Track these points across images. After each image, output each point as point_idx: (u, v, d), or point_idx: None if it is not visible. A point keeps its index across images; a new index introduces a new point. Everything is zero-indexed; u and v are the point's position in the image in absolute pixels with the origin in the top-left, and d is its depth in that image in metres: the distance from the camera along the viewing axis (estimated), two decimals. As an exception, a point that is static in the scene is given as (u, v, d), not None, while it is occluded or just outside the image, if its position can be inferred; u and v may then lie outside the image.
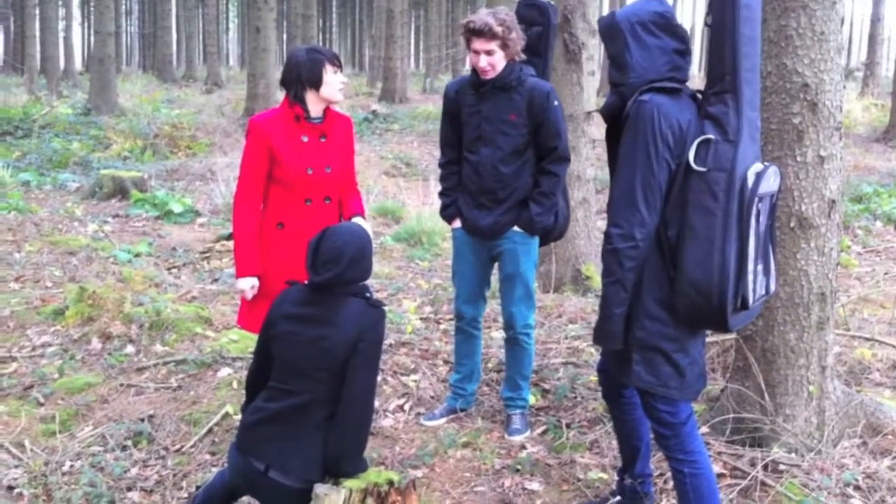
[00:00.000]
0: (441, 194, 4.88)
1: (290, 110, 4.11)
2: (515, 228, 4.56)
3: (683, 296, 3.09)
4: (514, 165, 4.49)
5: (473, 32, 4.35)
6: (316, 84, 4.08)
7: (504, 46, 4.35)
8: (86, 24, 64.05)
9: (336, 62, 4.14)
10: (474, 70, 4.49)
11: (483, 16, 4.36)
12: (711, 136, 3.07)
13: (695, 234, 3.06)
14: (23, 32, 35.28)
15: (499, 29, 4.30)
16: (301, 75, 4.07)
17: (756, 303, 3.18)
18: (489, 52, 4.35)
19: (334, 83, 4.12)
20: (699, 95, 3.24)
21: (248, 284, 4.16)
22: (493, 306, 6.85)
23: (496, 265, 4.82)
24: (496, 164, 4.50)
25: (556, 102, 4.50)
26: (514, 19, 4.43)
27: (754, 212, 3.04)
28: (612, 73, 3.27)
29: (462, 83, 4.67)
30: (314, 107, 4.13)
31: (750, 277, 3.07)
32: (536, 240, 4.67)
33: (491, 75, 4.42)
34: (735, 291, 3.05)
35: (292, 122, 4.11)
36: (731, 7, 3.06)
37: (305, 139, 4.12)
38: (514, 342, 4.73)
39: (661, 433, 3.35)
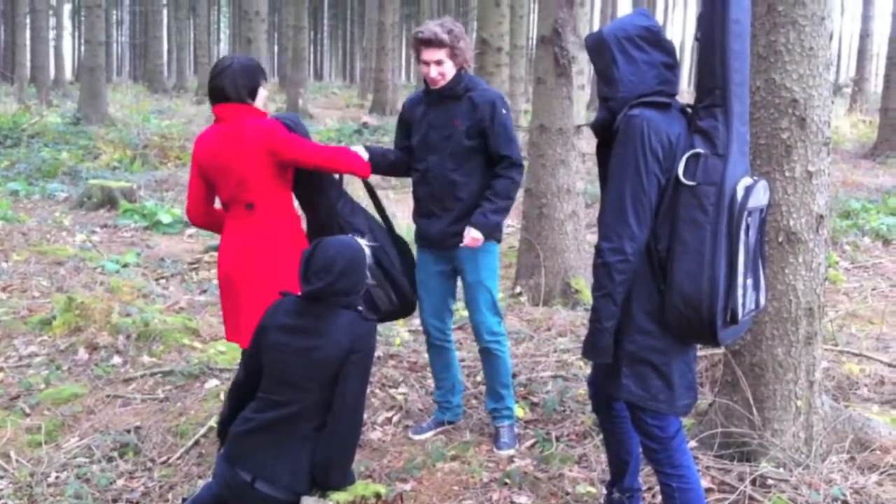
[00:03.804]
0: None
1: (261, 113, 4.21)
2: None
3: (673, 309, 3.09)
4: (462, 173, 4.48)
5: (423, 43, 4.38)
6: (254, 94, 4.20)
7: (452, 56, 4.39)
8: (76, 34, 63.95)
9: (265, 77, 4.32)
10: (426, 82, 4.55)
11: (431, 26, 4.40)
12: (701, 151, 3.07)
13: (685, 247, 3.06)
14: (13, 41, 35.22)
15: (446, 37, 4.34)
16: (247, 83, 4.16)
17: (745, 317, 3.18)
18: (438, 62, 4.39)
19: (262, 95, 4.28)
20: (689, 110, 3.25)
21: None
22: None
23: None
24: (444, 171, 4.49)
25: (503, 111, 4.47)
26: (462, 29, 4.47)
27: (744, 226, 3.05)
28: (601, 88, 3.28)
29: (416, 95, 4.73)
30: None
31: (739, 291, 3.08)
32: (496, 248, 4.64)
33: (441, 84, 4.45)
34: (725, 305, 3.05)
35: None
36: (720, 22, 3.07)
37: None
38: (486, 352, 4.68)
39: (650, 447, 3.35)
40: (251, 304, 4.12)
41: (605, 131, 3.28)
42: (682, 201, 3.08)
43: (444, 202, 4.53)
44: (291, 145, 4.10)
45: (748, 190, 3.06)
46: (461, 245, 4.46)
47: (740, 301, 3.09)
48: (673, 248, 3.09)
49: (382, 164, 4.64)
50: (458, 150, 4.46)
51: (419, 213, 4.68)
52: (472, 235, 4.42)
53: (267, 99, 4.32)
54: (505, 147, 4.46)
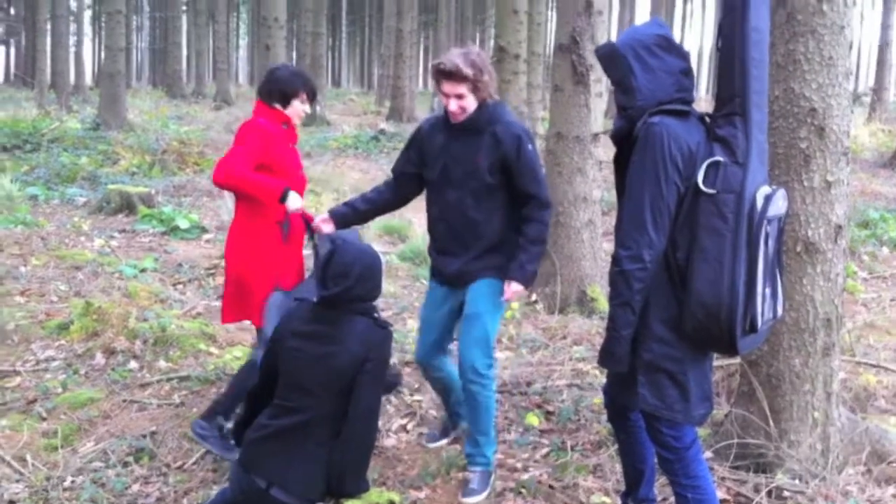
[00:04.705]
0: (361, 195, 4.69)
1: (277, 117, 4.45)
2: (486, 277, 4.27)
3: (692, 317, 3.08)
4: (483, 211, 4.20)
5: (443, 74, 4.09)
6: (282, 100, 4.46)
7: (475, 89, 4.10)
8: (97, 40, 64.39)
9: (310, 93, 4.54)
10: (446, 110, 4.25)
11: (453, 57, 4.09)
12: (720, 159, 3.07)
13: (704, 255, 3.05)
14: (34, 47, 35.47)
15: (469, 72, 4.04)
16: (274, 88, 4.47)
17: (763, 326, 3.17)
18: (459, 96, 4.10)
19: (297, 106, 4.50)
20: (707, 118, 3.24)
21: (295, 195, 4.33)
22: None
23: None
24: (465, 210, 4.21)
25: (529, 146, 4.18)
26: (486, 59, 4.18)
27: (763, 234, 3.04)
28: (619, 97, 3.28)
29: (437, 120, 4.41)
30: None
31: (759, 300, 3.07)
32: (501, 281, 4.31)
33: (461, 118, 4.17)
34: (744, 313, 3.04)
35: (281, 128, 4.44)
36: (740, 31, 3.07)
37: (291, 145, 4.52)
38: (467, 392, 4.31)
39: (666, 457, 3.33)
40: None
41: (624, 140, 3.27)
42: (701, 209, 3.07)
43: (464, 241, 4.27)
44: (234, 149, 4.28)
45: (768, 198, 3.06)
46: (503, 298, 4.23)
47: (759, 309, 3.08)
48: (692, 257, 3.08)
49: (352, 220, 4.56)
50: (479, 188, 4.19)
51: (437, 250, 4.45)
52: (513, 289, 4.22)
53: (305, 114, 4.56)
54: (532, 185, 4.18)
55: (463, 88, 4.08)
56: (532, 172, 4.19)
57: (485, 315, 4.25)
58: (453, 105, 4.13)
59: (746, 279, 3.03)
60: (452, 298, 4.43)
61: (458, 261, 4.30)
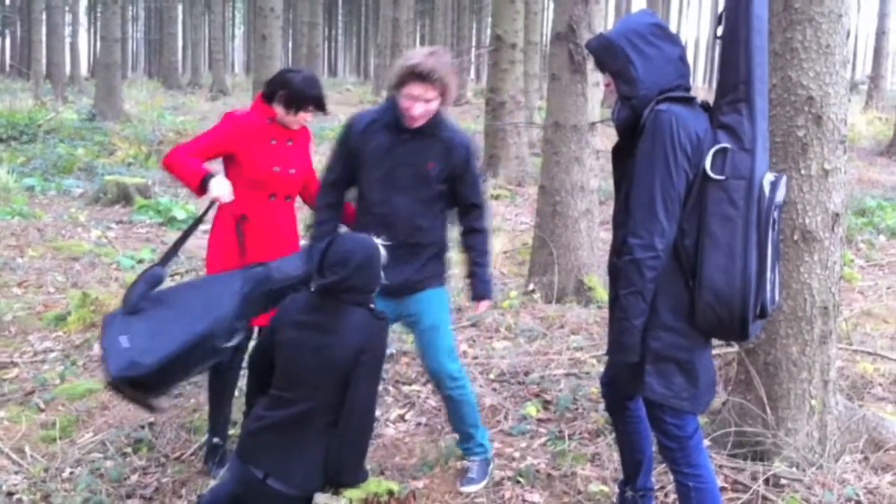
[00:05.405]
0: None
1: (264, 111, 4.30)
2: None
3: (704, 305, 3.07)
4: (430, 217, 4.06)
5: (419, 77, 3.77)
6: (289, 107, 4.25)
7: (443, 94, 3.87)
8: (92, 31, 64.17)
9: (318, 106, 4.30)
10: (394, 109, 3.97)
11: (428, 59, 3.80)
12: (727, 145, 3.06)
13: (715, 242, 3.04)
14: (29, 38, 35.38)
15: (446, 77, 3.82)
16: (269, 86, 4.30)
17: (770, 311, 3.18)
18: (428, 100, 3.83)
19: (298, 118, 4.29)
20: (709, 106, 3.24)
21: (218, 182, 4.09)
22: (495, 316, 6.85)
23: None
24: (414, 217, 4.01)
25: (473, 157, 4.14)
26: (453, 63, 3.97)
27: (771, 220, 3.05)
28: (621, 88, 3.25)
29: (373, 119, 4.07)
30: (282, 116, 4.30)
31: (768, 286, 3.08)
32: (445, 289, 4.29)
33: (420, 123, 3.93)
34: (756, 299, 3.04)
35: (265, 122, 4.28)
36: (744, 17, 3.06)
37: (274, 141, 4.28)
38: (450, 399, 4.23)
39: (668, 446, 3.32)
40: None
41: (630, 130, 3.26)
42: (710, 196, 3.06)
43: (411, 249, 4.03)
44: (196, 136, 4.31)
45: (774, 184, 3.07)
46: (477, 314, 4.17)
47: (769, 295, 3.09)
48: (702, 244, 3.07)
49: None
50: (428, 195, 4.04)
51: None
52: (484, 306, 4.38)
53: (304, 122, 4.36)
54: (477, 195, 4.17)
55: (434, 93, 3.84)
56: (476, 182, 4.19)
57: (443, 325, 4.21)
58: (420, 109, 3.85)
59: (758, 265, 3.03)
60: (390, 305, 4.05)
61: (402, 272, 4.00)
